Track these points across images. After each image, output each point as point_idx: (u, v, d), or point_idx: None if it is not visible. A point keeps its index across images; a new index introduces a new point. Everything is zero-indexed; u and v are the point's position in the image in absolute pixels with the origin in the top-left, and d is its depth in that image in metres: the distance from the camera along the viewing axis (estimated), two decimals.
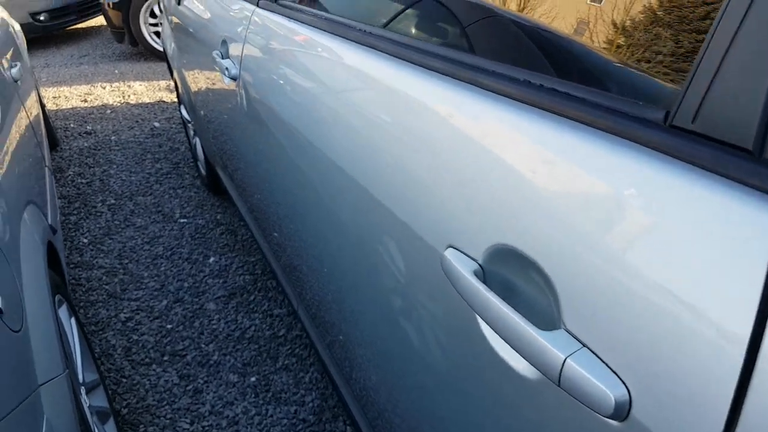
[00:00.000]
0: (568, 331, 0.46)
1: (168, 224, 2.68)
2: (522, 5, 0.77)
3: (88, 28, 6.85)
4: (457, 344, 0.61)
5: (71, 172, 3.21)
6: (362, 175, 0.79)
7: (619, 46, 0.58)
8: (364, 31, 0.89)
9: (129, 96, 4.34)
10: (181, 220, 2.70)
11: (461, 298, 0.57)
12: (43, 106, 3.29)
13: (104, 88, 4.57)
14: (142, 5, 4.95)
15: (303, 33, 1.07)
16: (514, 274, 0.53)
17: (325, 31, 1.00)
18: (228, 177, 2.21)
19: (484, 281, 0.55)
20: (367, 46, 0.87)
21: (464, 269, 0.54)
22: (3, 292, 0.98)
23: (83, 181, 3.11)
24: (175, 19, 2.22)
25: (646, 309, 0.41)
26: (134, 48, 5.48)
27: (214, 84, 1.70)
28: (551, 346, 0.44)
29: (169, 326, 2.05)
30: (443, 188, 0.61)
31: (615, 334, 0.42)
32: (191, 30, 1.89)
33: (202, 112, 2.19)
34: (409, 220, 0.66)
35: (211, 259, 2.40)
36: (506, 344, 0.52)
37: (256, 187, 1.55)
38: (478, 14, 0.83)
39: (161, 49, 5.13)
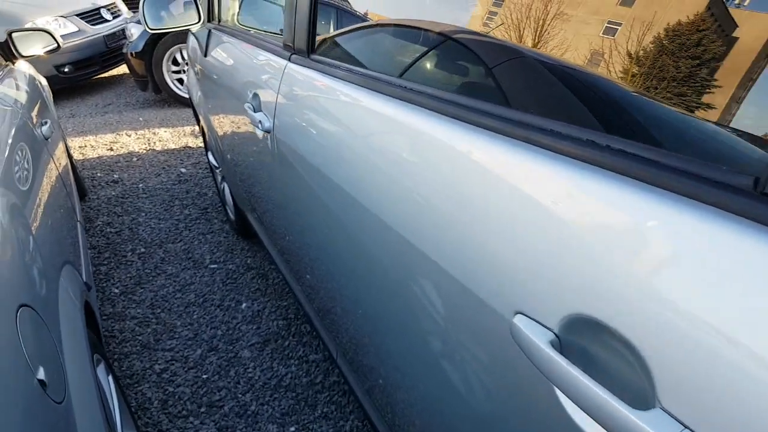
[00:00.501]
0: (665, 411, 0.43)
1: (199, 270, 2.68)
2: (536, 39, 0.77)
3: (111, 77, 7.03)
4: (525, 409, 0.59)
5: (100, 222, 3.25)
6: (404, 226, 0.78)
7: (633, 75, 0.60)
8: (398, 85, 0.89)
9: (155, 143, 4.42)
10: (212, 266, 2.71)
11: (532, 365, 0.54)
12: (70, 157, 3.35)
13: (129, 135, 4.65)
14: (165, 53, 5.06)
15: (335, 86, 1.07)
16: (596, 345, 0.50)
17: (356, 84, 1.00)
18: (257, 221, 2.21)
19: (561, 351, 0.52)
20: (401, 99, 0.86)
21: (539, 339, 0.52)
22: (45, 363, 0.97)
23: (112, 230, 3.15)
24: (201, 69, 2.26)
25: (758, 385, 0.38)
26: (158, 95, 5.59)
27: (244, 133, 1.71)
28: (649, 428, 0.42)
29: (204, 376, 2.03)
30: (506, 251, 0.59)
31: (722, 414, 0.40)
32: (219, 81, 1.92)
33: (230, 159, 2.21)
34: (468, 282, 0.64)
35: (244, 305, 2.39)
36: (592, 421, 0.49)
37: (287, 231, 1.55)
38: (505, 55, 0.82)
39: (185, 95, 5.23)
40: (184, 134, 4.54)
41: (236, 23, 1.98)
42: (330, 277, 1.21)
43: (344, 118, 1.01)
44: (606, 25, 0.70)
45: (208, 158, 3.05)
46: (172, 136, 4.53)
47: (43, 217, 1.44)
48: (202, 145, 4.27)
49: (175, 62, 5.15)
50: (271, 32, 1.78)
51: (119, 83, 6.68)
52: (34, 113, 2.08)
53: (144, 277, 2.68)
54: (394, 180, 0.82)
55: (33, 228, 1.29)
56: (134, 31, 5.18)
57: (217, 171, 2.96)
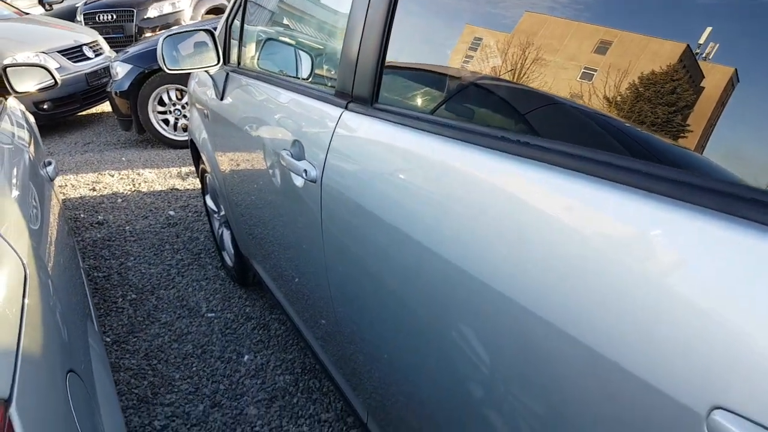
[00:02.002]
0: None
1: (195, 319, 2.56)
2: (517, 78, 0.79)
3: (90, 115, 6.89)
4: None
5: (86, 266, 3.10)
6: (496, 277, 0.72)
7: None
8: (485, 133, 0.85)
9: (140, 184, 4.30)
10: (209, 315, 2.59)
11: None
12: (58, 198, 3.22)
13: (113, 176, 4.52)
14: (151, 93, 4.99)
15: (401, 135, 1.02)
16: None
17: (432, 133, 0.96)
18: (265, 269, 2.12)
19: None
20: (489, 148, 0.82)
21: None
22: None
23: (100, 274, 3.00)
24: (213, 112, 2.20)
25: None
26: (141, 135, 5.48)
27: (267, 180, 1.64)
28: None
29: None
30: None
31: None
32: (240, 125, 1.86)
33: (239, 204, 2.13)
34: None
35: (246, 357, 2.27)
36: None
37: (310, 279, 1.47)
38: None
39: (170, 135, 5.13)
40: (171, 176, 4.43)
41: (256, 66, 1.94)
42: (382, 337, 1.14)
43: (420, 175, 0.97)
44: (582, 70, 0.74)
45: (205, 202, 2.96)
46: (157, 177, 4.42)
47: (59, 266, 1.34)
48: (189, 187, 4.17)
49: (161, 102, 5.07)
50: (296, 77, 1.74)
51: (99, 122, 6.55)
52: (36, 151, 1.98)
53: (137, 325, 2.54)
54: (489, 236, 0.77)
55: (53, 279, 1.19)
56: (119, 70, 5.10)
57: (215, 216, 2.87)
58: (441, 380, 0.95)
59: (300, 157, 1.37)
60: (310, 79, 1.63)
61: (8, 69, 2.53)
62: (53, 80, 2.67)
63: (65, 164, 4.92)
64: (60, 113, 5.85)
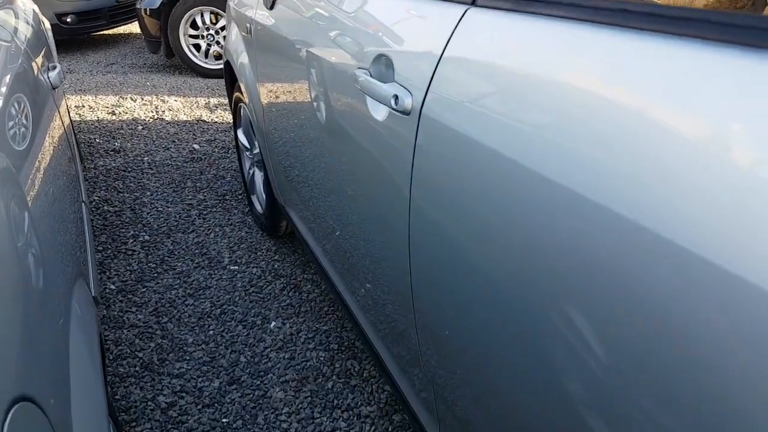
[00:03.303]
0: None
1: (215, 272, 2.20)
2: None
3: (116, 34, 6.47)
4: None
5: (96, 197, 2.74)
6: None
7: None
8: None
9: (163, 112, 3.90)
10: (232, 267, 2.22)
11: None
12: (69, 117, 2.84)
13: (134, 100, 4.13)
14: (184, 14, 4.54)
15: (585, 44, 0.61)
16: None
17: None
18: (306, 220, 1.73)
19: None
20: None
21: None
22: None
23: (111, 209, 2.64)
24: (259, 26, 1.77)
25: None
26: (169, 60, 5.07)
27: (330, 109, 1.24)
28: None
29: (224, 420, 1.56)
30: None
31: None
32: (294, 40, 1.44)
33: (282, 140, 1.73)
34: None
35: (272, 324, 1.91)
36: None
37: (384, 248, 1.08)
38: None
39: (201, 63, 4.71)
40: (198, 106, 4.03)
41: None
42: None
43: (594, 110, 0.56)
44: None
45: (236, 137, 2.57)
46: (183, 106, 4.02)
47: (45, 199, 0.96)
48: (218, 120, 3.77)
49: (194, 25, 4.63)
50: None
51: (125, 42, 6.13)
52: (40, 52, 1.59)
53: (147, 272, 2.19)
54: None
55: (33, 216, 0.81)
56: None
57: (247, 154, 2.47)
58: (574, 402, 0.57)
59: (386, 78, 0.96)
60: None
61: None
62: None
63: (84, 84, 4.53)
64: (84, 29, 5.42)
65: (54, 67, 1.58)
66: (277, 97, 1.68)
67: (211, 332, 1.87)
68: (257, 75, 1.89)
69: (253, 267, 2.23)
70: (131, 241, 2.39)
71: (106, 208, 2.65)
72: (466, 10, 0.80)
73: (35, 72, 1.31)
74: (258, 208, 2.43)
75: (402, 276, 1.01)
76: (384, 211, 1.03)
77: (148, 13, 4.64)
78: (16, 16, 1.81)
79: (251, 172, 2.47)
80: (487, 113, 0.71)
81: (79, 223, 1.28)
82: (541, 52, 0.66)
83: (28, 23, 1.84)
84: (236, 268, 2.22)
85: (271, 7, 1.64)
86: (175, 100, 4.12)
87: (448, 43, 0.81)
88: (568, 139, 0.59)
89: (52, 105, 1.36)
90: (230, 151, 3.29)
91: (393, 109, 0.90)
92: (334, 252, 1.49)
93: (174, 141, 3.42)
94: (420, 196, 0.87)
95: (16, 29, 1.56)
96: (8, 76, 1.10)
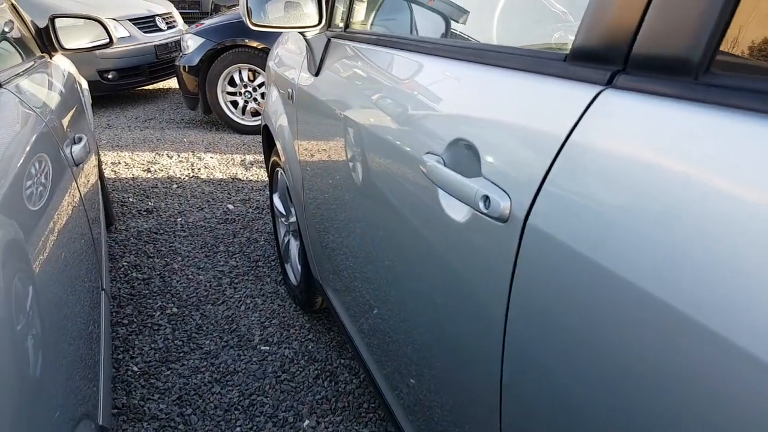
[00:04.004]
0: None
1: (245, 352, 2.01)
2: None
3: (155, 90, 6.54)
4: None
5: (125, 263, 2.61)
6: None
7: None
8: None
9: (199, 169, 3.82)
10: (263, 348, 2.04)
11: None
12: (102, 176, 2.75)
13: (171, 157, 4.07)
14: (222, 71, 4.53)
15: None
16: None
17: None
18: (347, 306, 1.55)
19: None
20: None
21: None
22: None
23: (140, 276, 2.50)
24: (301, 91, 1.64)
25: None
26: (207, 116, 5.05)
27: (386, 195, 1.07)
28: None
29: None
30: None
31: None
32: (341, 110, 1.29)
33: (324, 217, 1.56)
34: None
35: (306, 423, 1.71)
36: None
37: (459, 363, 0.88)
38: None
39: (238, 120, 4.66)
40: (234, 163, 3.94)
41: (378, 29, 1.37)
42: None
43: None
44: None
45: (271, 201, 2.43)
46: (219, 163, 3.94)
47: (53, 331, 0.79)
48: (252, 178, 3.66)
49: (231, 82, 4.60)
50: (460, 39, 1.15)
51: (164, 98, 6.18)
52: (65, 122, 1.47)
53: (173, 351, 2.01)
54: None
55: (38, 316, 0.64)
56: (190, 43, 4.66)
57: (283, 220, 2.32)
58: None
59: (467, 170, 0.78)
60: (493, 40, 1.04)
61: (56, 20, 2.06)
62: (108, 38, 2.19)
63: (122, 140, 4.51)
64: (124, 84, 5.48)
65: (80, 139, 1.45)
66: (319, 169, 1.53)
67: (238, 428, 1.67)
68: (296, 140, 1.75)
69: (285, 348, 2.04)
70: (158, 313, 2.23)
71: (134, 275, 2.51)
72: (599, 92, 0.62)
73: (54, 150, 1.18)
74: (292, 279, 2.26)
75: (489, 414, 0.80)
76: (460, 329, 0.83)
77: (186, 69, 4.64)
78: (46, 83, 1.72)
79: (286, 240, 2.32)
80: (625, 231, 0.52)
81: (93, 336, 1.11)
82: (707, 152, 0.47)
83: (57, 89, 1.74)
84: (267, 348, 2.04)
85: (317, 73, 1.50)
86: (211, 157, 4.05)
87: (570, 133, 0.62)
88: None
89: (68, 185, 1.21)
90: (264, 211, 3.16)
91: (481, 212, 0.72)
92: (381, 352, 1.30)
93: (208, 201, 3.31)
94: (523, 324, 0.68)
95: (41, 100, 1.45)
96: (19, 161, 0.97)
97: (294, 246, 2.25)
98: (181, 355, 2.00)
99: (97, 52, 4.69)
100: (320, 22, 1.41)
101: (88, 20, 2.08)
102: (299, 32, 1.48)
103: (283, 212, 2.28)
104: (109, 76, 5.27)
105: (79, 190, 1.24)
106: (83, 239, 1.20)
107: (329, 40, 1.48)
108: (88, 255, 1.22)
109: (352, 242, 1.33)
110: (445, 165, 0.82)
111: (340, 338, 2.09)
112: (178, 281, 2.46)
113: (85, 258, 1.18)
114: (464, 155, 0.79)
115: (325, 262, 1.67)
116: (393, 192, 1.02)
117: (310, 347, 2.05)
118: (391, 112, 1.05)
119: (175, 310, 2.26)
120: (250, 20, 1.37)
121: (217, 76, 4.55)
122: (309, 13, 1.43)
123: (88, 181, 1.47)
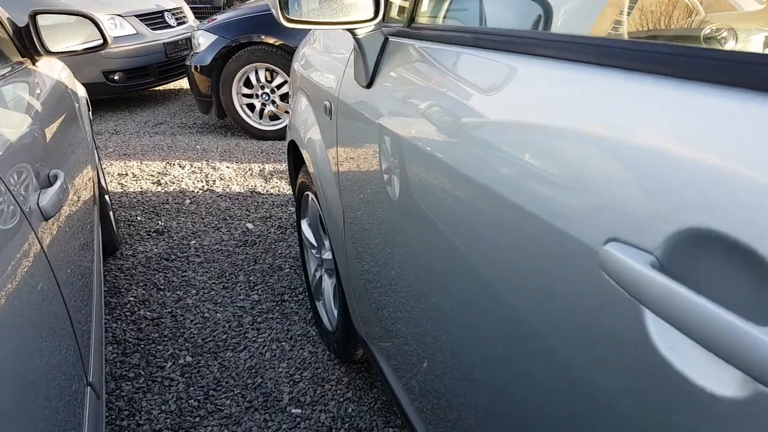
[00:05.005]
0: None
1: (272, 416, 1.67)
2: None
3: (166, 91, 6.21)
4: None
5: (132, 298, 2.27)
6: None
7: None
8: None
9: (214, 181, 3.48)
10: (293, 411, 1.69)
11: None
12: (102, 194, 2.42)
13: (183, 167, 3.73)
14: (237, 72, 4.18)
15: None
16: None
17: None
18: (401, 373, 1.19)
19: None
20: None
21: None
22: None
23: (148, 314, 2.16)
24: (346, 105, 1.28)
25: None
26: (220, 120, 4.70)
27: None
28: None
29: None
30: None
31: None
32: (420, 149, 0.93)
33: (382, 274, 1.21)
34: None
35: None
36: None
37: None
38: None
39: (255, 125, 4.32)
40: (252, 174, 3.60)
41: (474, 24, 1.01)
42: None
43: None
44: None
45: (299, 228, 2.08)
46: (236, 174, 3.59)
47: None
48: (273, 191, 3.31)
49: (247, 84, 4.25)
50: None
51: (175, 100, 5.84)
52: (36, 154, 1.12)
53: (186, 416, 1.67)
54: None
55: None
56: (202, 41, 4.32)
57: (313, 252, 1.97)
58: None
59: (727, 292, 0.41)
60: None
61: (39, 17, 1.71)
62: (102, 38, 1.83)
63: (130, 147, 4.18)
64: (131, 86, 5.15)
65: (55, 178, 1.09)
66: (372, 218, 1.17)
67: None
68: (338, 173, 1.39)
69: (320, 411, 1.69)
70: (169, 364, 1.89)
71: (142, 312, 2.17)
72: None
73: (16, 195, 0.83)
74: (326, 323, 1.91)
75: None
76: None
77: (198, 69, 4.30)
78: (18, 99, 1.37)
79: (317, 275, 1.96)
80: None
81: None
82: None
83: (33, 107, 1.37)
84: (299, 411, 1.69)
85: (369, 84, 1.14)
86: (227, 167, 3.70)
87: None
88: None
89: (27, 256, 0.83)
90: (288, 231, 2.81)
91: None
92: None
93: (225, 219, 2.96)
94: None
95: (12, 124, 1.10)
96: None
97: (329, 284, 1.89)
98: (197, 420, 1.66)
99: (102, 51, 4.36)
100: (376, 16, 1.05)
101: (78, 17, 1.73)
102: (347, 29, 1.11)
103: (314, 244, 1.93)
104: (115, 78, 4.94)
105: (47, 260, 0.89)
106: (54, 328, 0.85)
107: (386, 39, 1.12)
108: (64, 347, 0.88)
109: (428, 327, 0.97)
110: (660, 269, 0.45)
111: (385, 397, 1.74)
112: (192, 321, 2.12)
113: (56, 352, 0.83)
114: (717, 259, 0.42)
115: (376, 325, 1.31)
116: (517, 278, 0.65)
117: (350, 410, 1.69)
118: (509, 159, 0.68)
119: (189, 359, 1.92)
120: (283, 15, 1.01)
121: (231, 77, 4.20)
122: (360, 4, 1.06)
123: (67, 237, 1.12)
